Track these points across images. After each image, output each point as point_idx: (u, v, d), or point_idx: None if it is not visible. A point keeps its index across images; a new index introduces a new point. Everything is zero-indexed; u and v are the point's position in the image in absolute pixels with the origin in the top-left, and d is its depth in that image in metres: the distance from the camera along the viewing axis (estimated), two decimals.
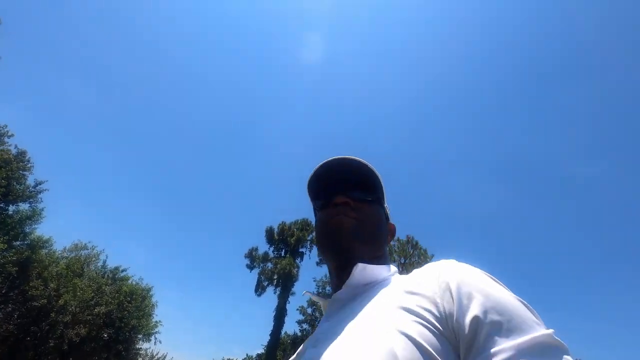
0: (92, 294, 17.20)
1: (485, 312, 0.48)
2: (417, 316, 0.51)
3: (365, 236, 0.73)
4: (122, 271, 20.34)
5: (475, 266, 0.59)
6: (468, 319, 0.48)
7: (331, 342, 0.56)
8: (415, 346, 0.47)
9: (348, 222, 0.72)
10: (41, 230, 17.12)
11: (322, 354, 0.55)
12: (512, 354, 0.43)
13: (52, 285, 15.54)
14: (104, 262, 20.01)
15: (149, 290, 20.40)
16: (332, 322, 0.63)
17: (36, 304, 14.85)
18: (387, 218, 0.84)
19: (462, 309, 0.50)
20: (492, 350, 0.45)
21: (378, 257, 0.75)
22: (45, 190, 16.32)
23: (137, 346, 19.60)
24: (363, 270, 0.66)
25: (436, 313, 0.51)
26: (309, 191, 0.84)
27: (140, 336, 19.37)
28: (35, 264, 15.33)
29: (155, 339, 19.97)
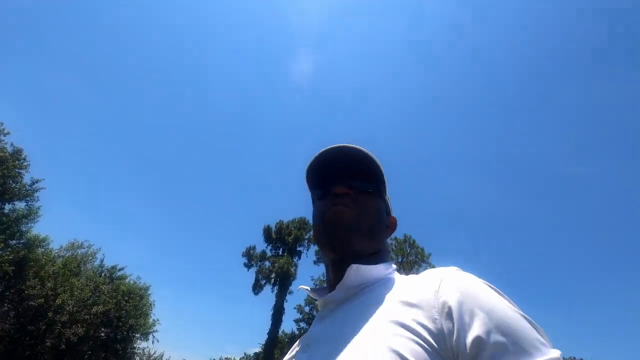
0: (90, 293, 17.16)
1: (488, 332, 0.45)
2: (411, 332, 0.48)
3: (364, 229, 0.69)
4: (120, 270, 20.29)
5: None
6: (470, 339, 0.45)
7: (320, 353, 0.55)
8: None
9: (347, 214, 0.69)
10: (37, 229, 17.11)
11: None
12: None
13: (49, 284, 15.49)
14: (102, 261, 19.98)
15: (146, 289, 20.36)
16: (325, 325, 0.62)
17: (33, 303, 14.79)
18: (387, 210, 0.80)
19: (464, 328, 0.46)
20: None
21: (376, 253, 0.72)
22: (42, 188, 16.26)
23: (135, 345, 19.57)
24: (357, 272, 0.63)
25: (433, 329, 0.48)
26: (307, 180, 0.80)
27: (138, 335, 19.33)
28: (32, 263, 15.27)
29: (153, 337, 19.95)
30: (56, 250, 18.02)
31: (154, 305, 20.52)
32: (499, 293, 0.52)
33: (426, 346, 0.46)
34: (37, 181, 16.14)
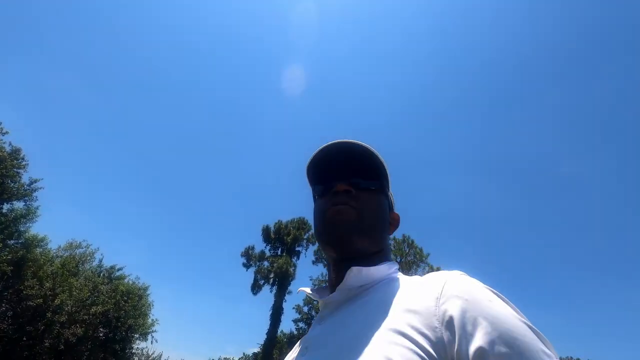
0: (89, 294, 17.14)
1: (491, 343, 0.43)
2: (409, 340, 0.46)
3: (366, 229, 0.68)
4: (118, 270, 20.29)
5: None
6: (472, 350, 0.43)
7: (316, 358, 0.55)
8: None
9: (348, 213, 0.67)
10: (35, 228, 17.09)
11: None
12: None
13: (47, 284, 15.46)
14: (100, 261, 19.96)
15: (145, 289, 20.35)
16: (324, 327, 0.61)
17: (31, 303, 14.77)
18: (390, 206, 0.78)
19: (466, 337, 0.44)
20: None
21: (379, 252, 0.70)
22: (40, 188, 16.25)
23: (134, 345, 19.56)
24: (358, 274, 0.62)
25: (432, 338, 0.46)
26: (307, 175, 0.78)
27: (137, 335, 19.33)
28: (30, 263, 15.25)
29: (152, 337, 19.94)
30: (54, 250, 18.00)
31: (153, 305, 20.54)
32: (504, 300, 0.50)
33: (424, 355, 0.44)
34: (35, 181, 16.14)
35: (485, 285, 0.53)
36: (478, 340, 0.43)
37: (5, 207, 15.32)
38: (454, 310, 0.47)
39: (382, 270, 0.65)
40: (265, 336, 20.25)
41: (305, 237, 23.04)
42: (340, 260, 0.68)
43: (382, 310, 0.54)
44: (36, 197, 16.05)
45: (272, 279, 21.51)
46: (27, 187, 15.89)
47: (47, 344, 15.25)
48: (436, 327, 0.47)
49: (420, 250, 20.38)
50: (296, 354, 0.64)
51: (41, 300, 14.94)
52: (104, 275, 19.54)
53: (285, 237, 22.76)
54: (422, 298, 0.52)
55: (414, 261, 19.84)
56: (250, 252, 22.70)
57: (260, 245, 23.16)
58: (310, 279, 22.45)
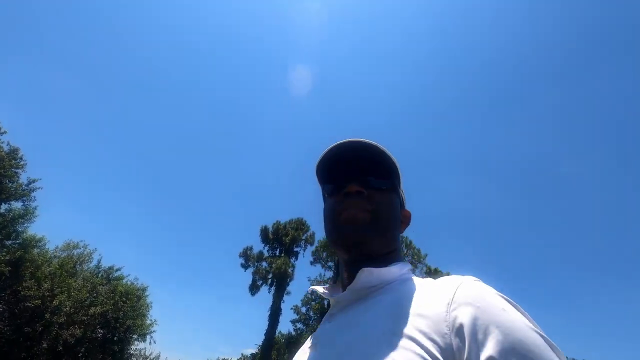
0: (87, 294, 17.08)
1: (503, 353, 0.42)
2: (417, 345, 0.45)
3: (380, 230, 0.67)
4: (117, 271, 20.22)
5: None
6: (482, 359, 0.42)
7: (323, 357, 0.56)
8: None
9: (361, 216, 0.66)
10: (33, 229, 17.02)
11: None
12: None
13: (45, 285, 15.40)
14: (99, 261, 19.91)
15: (144, 289, 20.32)
16: (332, 326, 0.62)
17: (29, 304, 14.71)
18: (402, 204, 0.78)
19: (476, 346, 0.43)
20: None
21: (391, 252, 0.70)
22: (39, 188, 16.21)
23: (132, 346, 19.52)
24: (369, 275, 0.61)
25: (441, 344, 0.45)
26: (317, 174, 0.77)
27: (135, 336, 19.28)
28: (28, 263, 15.19)
29: (151, 338, 19.90)
30: (52, 251, 17.93)
31: (151, 306, 20.50)
32: (517, 309, 0.48)
33: None
34: (33, 181, 16.09)
35: (498, 293, 0.51)
36: (489, 350, 0.42)
37: (3, 207, 15.28)
38: (465, 317, 0.46)
39: (393, 272, 0.64)
40: (264, 337, 20.27)
41: (303, 237, 23.09)
42: (352, 260, 0.68)
43: (391, 313, 0.53)
44: (34, 197, 16.04)
45: (270, 280, 21.54)
46: (25, 187, 15.85)
47: (45, 345, 15.19)
48: (445, 334, 0.46)
49: (418, 251, 20.51)
50: (307, 348, 0.65)
51: (39, 301, 14.88)
52: (102, 275, 19.47)
53: (283, 238, 22.80)
54: (433, 302, 0.51)
55: (412, 262, 19.93)
56: (248, 252, 22.73)
57: (258, 246, 23.23)
58: (309, 280, 22.52)
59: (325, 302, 21.32)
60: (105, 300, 17.41)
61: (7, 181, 15.24)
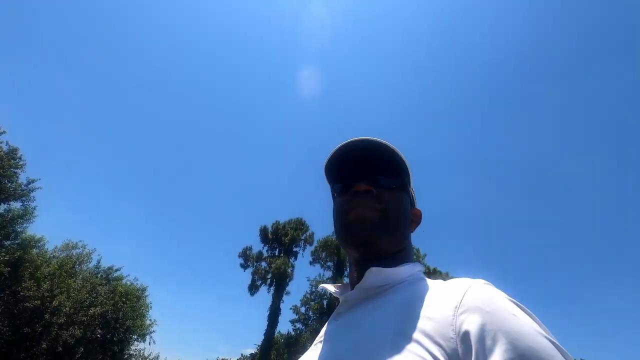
0: (87, 295, 17.06)
1: None
2: (421, 347, 0.45)
3: (389, 229, 0.67)
4: (116, 271, 20.20)
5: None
6: None
7: (328, 356, 0.56)
8: None
9: (370, 215, 0.66)
10: (32, 229, 16.98)
11: None
12: None
13: (45, 285, 15.38)
14: (98, 261, 19.88)
15: (143, 290, 20.30)
16: (339, 324, 0.62)
17: (29, 305, 14.68)
18: (412, 203, 0.77)
19: (484, 353, 0.42)
20: None
21: (400, 251, 0.69)
22: (38, 188, 16.17)
23: (132, 347, 19.50)
24: (377, 275, 0.61)
25: (446, 348, 0.44)
26: (325, 173, 0.76)
27: (135, 337, 19.26)
28: (27, 264, 15.16)
29: (151, 338, 19.89)
30: (51, 251, 17.90)
31: (151, 306, 20.49)
32: (527, 314, 0.47)
33: None
34: (33, 181, 16.05)
35: (509, 297, 0.49)
36: (497, 357, 0.40)
37: (2, 207, 15.25)
38: (472, 321, 0.44)
39: (403, 272, 0.64)
40: (263, 337, 20.28)
41: (302, 237, 23.11)
42: (361, 259, 0.67)
43: (398, 314, 0.52)
44: (33, 197, 16.00)
45: (269, 280, 21.55)
46: (25, 188, 15.81)
47: (44, 346, 15.17)
48: (451, 338, 0.45)
49: (417, 251, 20.52)
50: (314, 346, 0.66)
51: (39, 302, 14.86)
52: (101, 276, 19.44)
53: (282, 238, 22.81)
54: (441, 305, 0.50)
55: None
56: (247, 252, 22.73)
57: (257, 246, 23.24)
58: (308, 280, 22.56)
59: (325, 303, 21.37)
60: (104, 300, 17.39)
61: (6, 181, 15.21)
